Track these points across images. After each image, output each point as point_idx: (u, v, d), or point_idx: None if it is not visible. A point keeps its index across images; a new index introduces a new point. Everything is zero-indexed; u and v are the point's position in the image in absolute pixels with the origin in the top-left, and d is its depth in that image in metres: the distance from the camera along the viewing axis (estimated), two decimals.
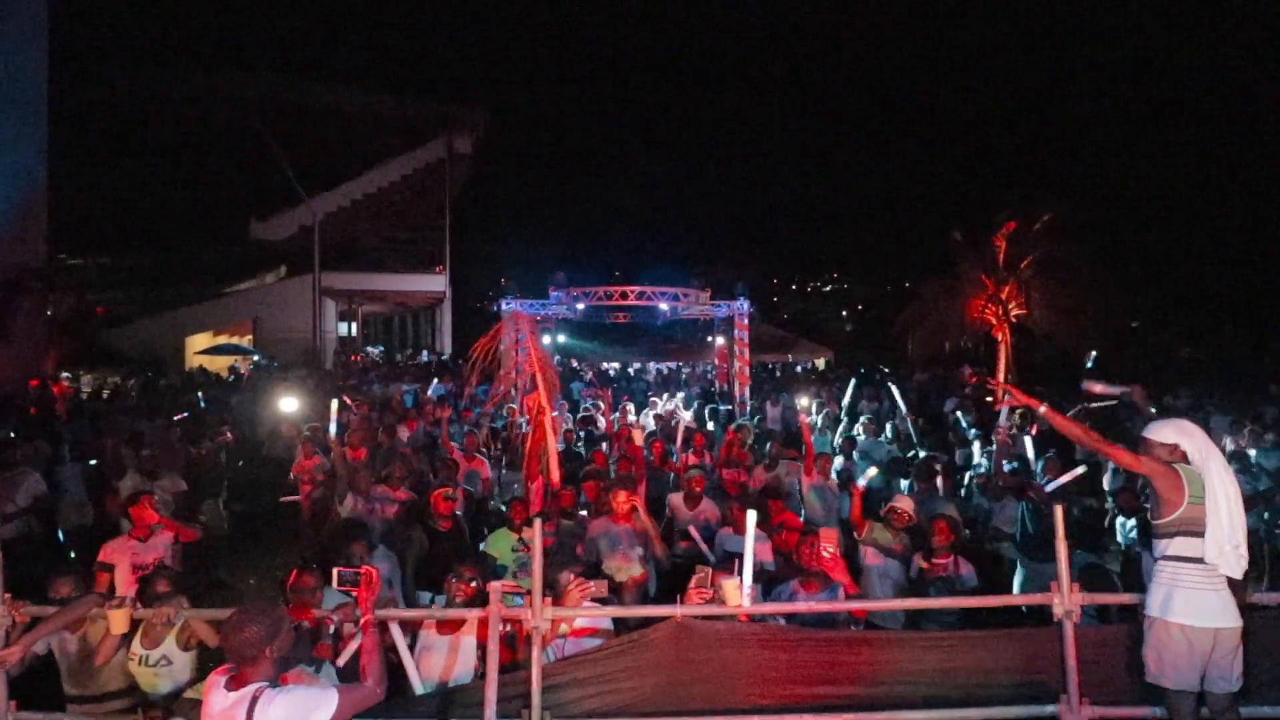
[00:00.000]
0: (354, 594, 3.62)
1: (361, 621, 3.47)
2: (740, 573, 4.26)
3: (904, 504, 6.28)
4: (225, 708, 2.83)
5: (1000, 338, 20.79)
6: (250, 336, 32.10)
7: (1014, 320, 20.70)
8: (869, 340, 40.69)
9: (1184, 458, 3.83)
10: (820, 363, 35.69)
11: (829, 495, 8.25)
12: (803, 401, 11.59)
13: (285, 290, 33.22)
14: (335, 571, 3.75)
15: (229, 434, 11.69)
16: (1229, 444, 9.79)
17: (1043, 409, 4.29)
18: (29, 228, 21.53)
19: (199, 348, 30.14)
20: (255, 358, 28.78)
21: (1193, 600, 3.67)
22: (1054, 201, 20.40)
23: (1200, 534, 3.70)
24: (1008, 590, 6.81)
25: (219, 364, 27.98)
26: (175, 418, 12.11)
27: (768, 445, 10.39)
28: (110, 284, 32.73)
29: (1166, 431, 3.91)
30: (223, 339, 31.74)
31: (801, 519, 7.28)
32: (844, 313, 61.57)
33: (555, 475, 7.21)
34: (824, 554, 4.86)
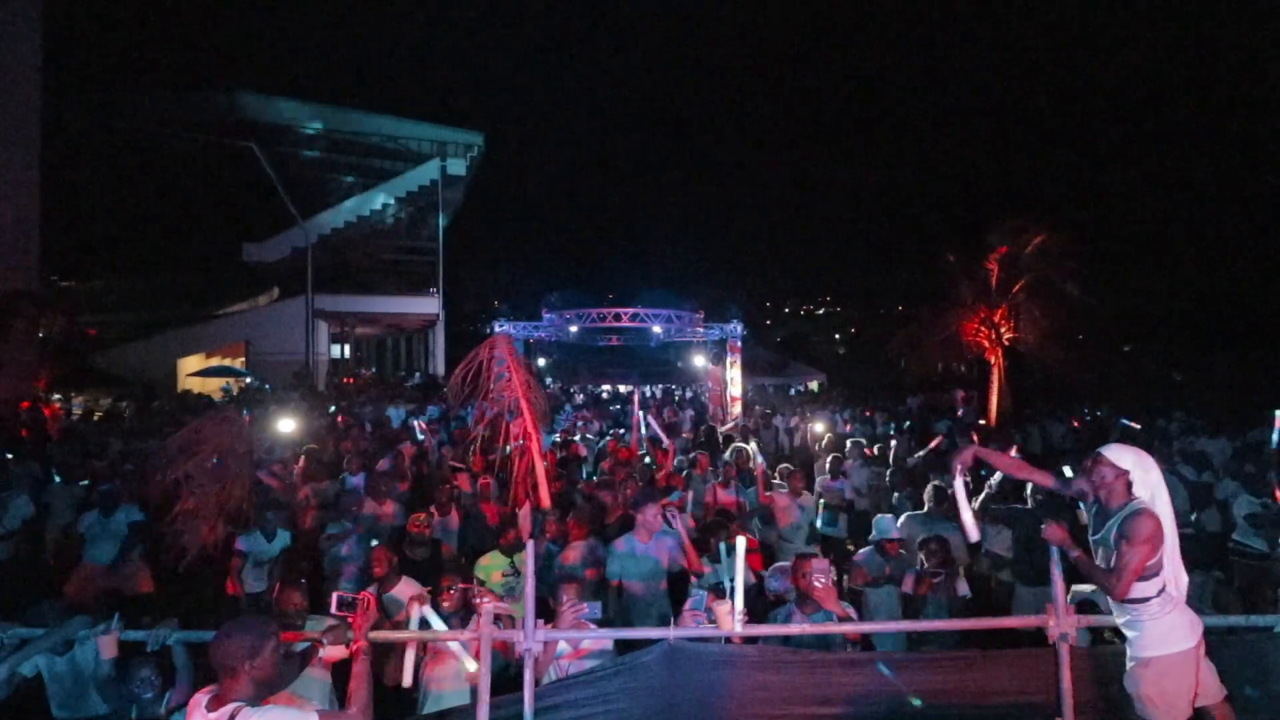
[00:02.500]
0: (349, 619, 3.60)
1: (353, 647, 3.44)
2: (732, 596, 4.25)
3: (892, 532, 6.30)
4: None
5: (993, 361, 20.88)
6: (243, 359, 32.01)
7: (1006, 344, 20.81)
8: (862, 363, 40.80)
9: (1128, 487, 3.75)
10: (813, 385, 35.77)
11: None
12: (818, 428, 11.53)
13: (278, 312, 33.18)
14: (334, 596, 3.73)
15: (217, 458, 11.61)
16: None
17: (972, 450, 4.25)
18: (21, 250, 21.52)
19: (191, 370, 30.06)
20: (248, 380, 28.70)
21: (1176, 623, 3.68)
22: (1046, 226, 20.54)
23: (1162, 566, 3.69)
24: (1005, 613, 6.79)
25: (211, 386, 27.88)
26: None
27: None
28: (102, 306, 32.71)
29: (1125, 457, 3.80)
30: (215, 361, 31.64)
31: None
32: (837, 336, 61.80)
33: (545, 498, 7.10)
34: (816, 585, 4.84)
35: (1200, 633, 3.73)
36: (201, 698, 2.88)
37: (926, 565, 5.72)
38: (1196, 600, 5.33)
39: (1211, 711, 3.85)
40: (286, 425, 10.87)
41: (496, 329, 20.03)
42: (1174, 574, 3.75)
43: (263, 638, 2.87)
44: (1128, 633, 3.81)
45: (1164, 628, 3.68)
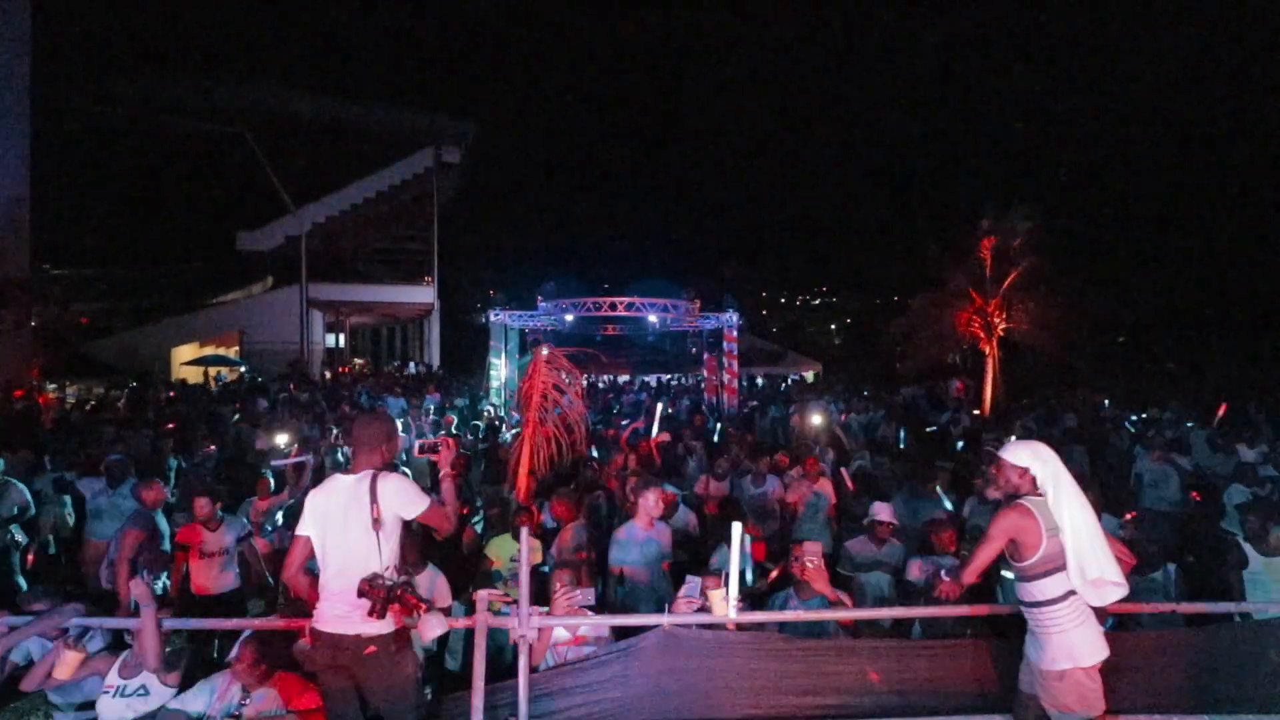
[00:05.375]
0: (434, 460, 4.17)
1: (441, 474, 4.07)
2: (727, 582, 4.26)
3: (884, 514, 6.24)
4: (349, 487, 3.59)
5: (988, 351, 20.91)
6: (237, 348, 31.92)
7: (1001, 334, 20.84)
8: (858, 353, 40.84)
9: (1033, 483, 3.68)
10: (809, 375, 35.81)
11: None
12: (817, 419, 11.50)
13: (272, 301, 33.05)
14: (417, 443, 4.31)
15: (213, 447, 11.60)
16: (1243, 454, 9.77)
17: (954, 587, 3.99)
18: (12, 239, 21.42)
19: (185, 359, 29.94)
20: (241, 369, 28.62)
21: (1085, 637, 3.56)
22: (1040, 215, 20.54)
23: (1064, 567, 3.57)
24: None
25: (203, 375, 27.79)
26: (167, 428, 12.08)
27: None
28: (95, 295, 32.57)
29: (1022, 454, 3.74)
30: (209, 350, 31.54)
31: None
32: (833, 326, 61.87)
33: (522, 489, 7.31)
34: (808, 565, 4.86)
35: (1105, 653, 3.60)
36: (344, 476, 3.69)
37: (939, 549, 5.70)
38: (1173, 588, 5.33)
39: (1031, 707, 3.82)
40: (282, 439, 10.94)
41: (492, 318, 20.00)
42: (1087, 573, 3.57)
43: (393, 426, 3.88)
44: (1038, 636, 3.66)
45: (1078, 639, 3.55)
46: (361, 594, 3.40)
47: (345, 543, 3.53)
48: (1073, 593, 3.56)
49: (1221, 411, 12.79)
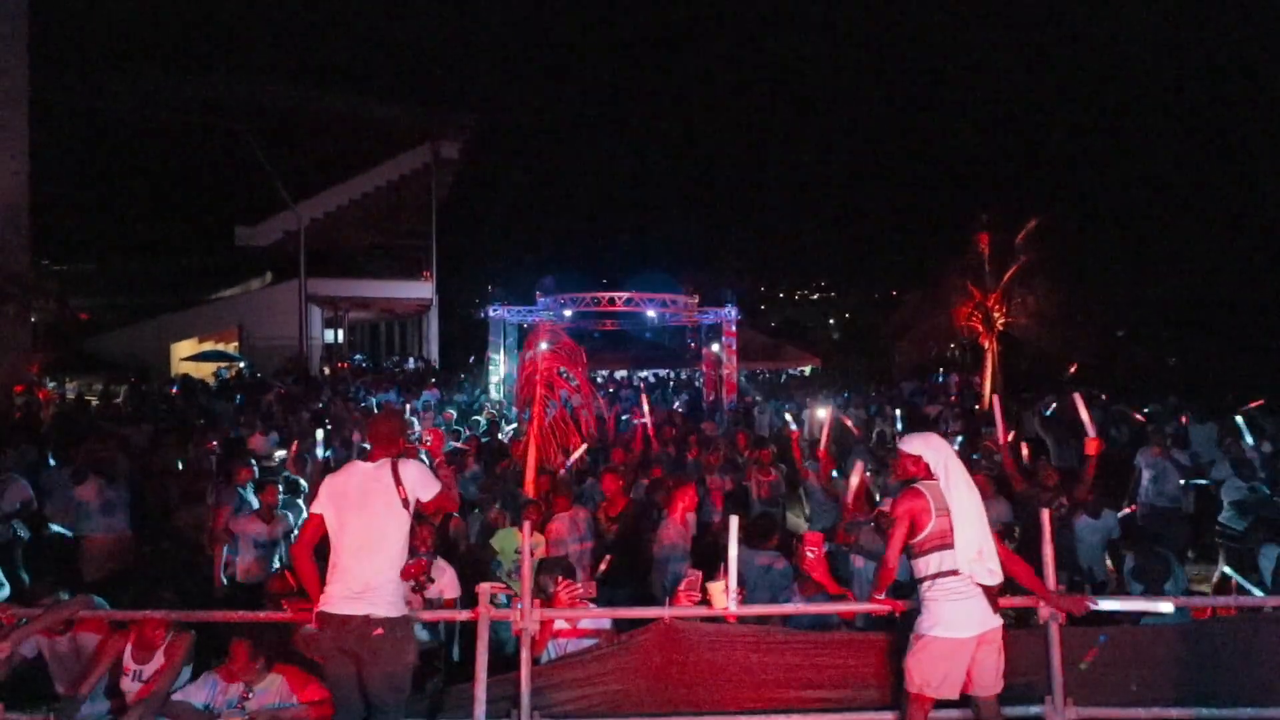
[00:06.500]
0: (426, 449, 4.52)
1: (436, 461, 4.60)
2: (726, 575, 4.28)
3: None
4: (369, 471, 3.82)
5: (986, 346, 20.92)
6: (236, 343, 31.89)
7: (1000, 328, 20.84)
8: (856, 348, 40.82)
9: (927, 469, 3.96)
10: (807, 370, 35.84)
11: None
12: (821, 413, 11.48)
13: (271, 297, 33.00)
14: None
15: (214, 442, 11.61)
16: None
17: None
18: (11, 234, 21.32)
19: (184, 354, 29.93)
20: (241, 365, 28.60)
21: (956, 612, 3.77)
22: (1039, 209, 20.53)
23: (951, 545, 3.80)
24: None
25: (203, 370, 27.78)
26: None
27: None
28: (94, 290, 32.49)
29: (915, 444, 4.07)
30: (208, 345, 31.51)
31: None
32: (831, 320, 61.77)
33: (530, 487, 7.15)
34: (807, 556, 4.89)
35: (989, 628, 3.79)
36: (363, 462, 3.95)
37: None
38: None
39: (980, 705, 3.94)
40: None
41: (491, 314, 20.00)
42: (973, 554, 3.79)
43: (405, 421, 4.05)
44: (920, 607, 3.90)
45: (948, 612, 3.77)
46: (408, 575, 3.76)
47: (365, 523, 3.72)
48: (956, 571, 3.79)
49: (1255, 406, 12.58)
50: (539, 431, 7.27)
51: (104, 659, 4.17)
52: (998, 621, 3.84)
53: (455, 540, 6.76)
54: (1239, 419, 9.85)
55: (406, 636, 3.72)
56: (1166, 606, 4.28)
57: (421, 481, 3.82)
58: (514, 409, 13.39)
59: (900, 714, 4.04)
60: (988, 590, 3.81)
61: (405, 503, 3.73)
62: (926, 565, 3.85)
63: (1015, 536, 6.54)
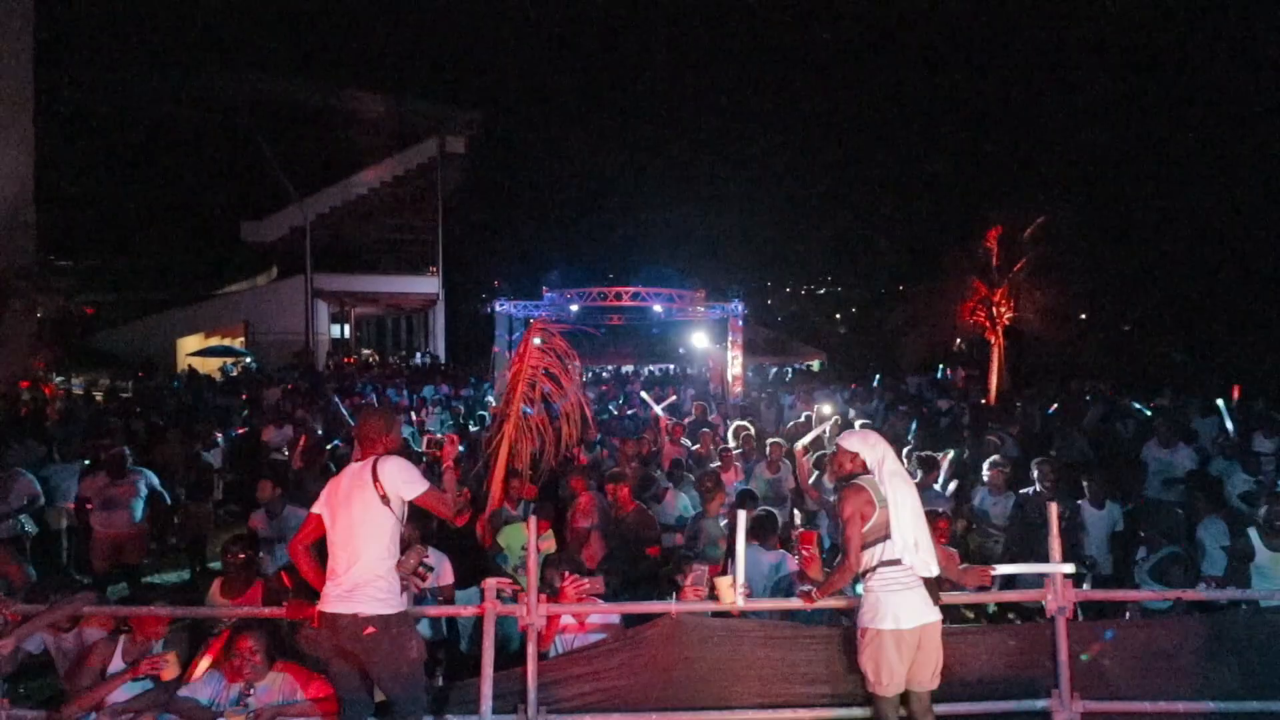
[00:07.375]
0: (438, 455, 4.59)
1: (444, 466, 4.36)
2: (734, 570, 4.27)
3: None
4: (354, 470, 3.82)
5: (993, 341, 20.84)
6: (242, 339, 31.97)
7: (1006, 324, 20.75)
8: (862, 343, 40.70)
9: (864, 465, 4.06)
10: (813, 365, 35.76)
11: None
12: (826, 409, 11.40)
13: (277, 292, 33.09)
14: (425, 438, 4.55)
15: (219, 435, 11.64)
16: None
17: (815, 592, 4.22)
18: (17, 230, 21.38)
19: (190, 350, 30.00)
20: (247, 360, 28.67)
21: (900, 603, 3.83)
22: (1047, 205, 20.41)
23: (889, 537, 3.89)
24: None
25: (210, 365, 27.86)
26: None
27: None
28: (100, 286, 32.60)
29: (853, 441, 4.17)
30: (214, 341, 31.60)
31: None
32: (837, 315, 61.54)
33: (496, 494, 6.39)
34: (803, 553, 4.87)
35: (930, 621, 3.85)
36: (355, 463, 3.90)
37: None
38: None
39: (912, 697, 3.96)
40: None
41: (498, 308, 19.98)
42: (912, 545, 3.89)
43: (392, 419, 4.08)
44: (863, 598, 3.98)
45: (892, 603, 3.84)
46: (404, 569, 3.74)
47: (349, 522, 3.72)
48: (897, 561, 3.87)
49: (1235, 394, 12.48)
50: (513, 431, 6.65)
51: (93, 667, 4.14)
52: (937, 615, 3.90)
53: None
54: (1220, 403, 10.00)
55: (404, 632, 3.71)
56: (1068, 568, 4.30)
57: (402, 479, 3.74)
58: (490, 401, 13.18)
59: (873, 713, 4.04)
60: (926, 582, 3.88)
61: (385, 499, 3.69)
62: (871, 556, 3.92)
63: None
